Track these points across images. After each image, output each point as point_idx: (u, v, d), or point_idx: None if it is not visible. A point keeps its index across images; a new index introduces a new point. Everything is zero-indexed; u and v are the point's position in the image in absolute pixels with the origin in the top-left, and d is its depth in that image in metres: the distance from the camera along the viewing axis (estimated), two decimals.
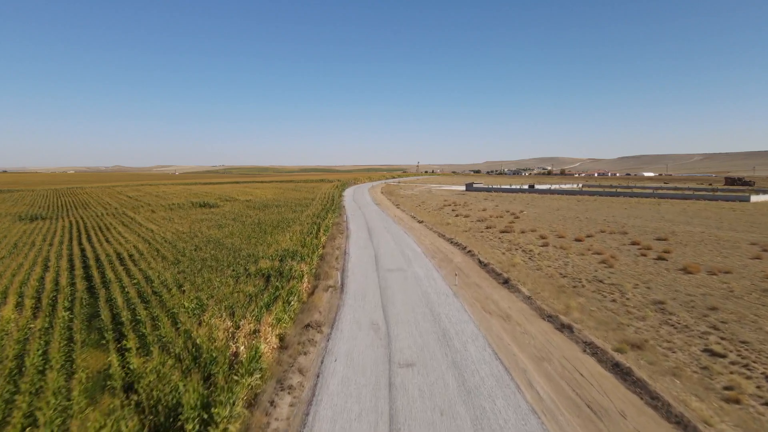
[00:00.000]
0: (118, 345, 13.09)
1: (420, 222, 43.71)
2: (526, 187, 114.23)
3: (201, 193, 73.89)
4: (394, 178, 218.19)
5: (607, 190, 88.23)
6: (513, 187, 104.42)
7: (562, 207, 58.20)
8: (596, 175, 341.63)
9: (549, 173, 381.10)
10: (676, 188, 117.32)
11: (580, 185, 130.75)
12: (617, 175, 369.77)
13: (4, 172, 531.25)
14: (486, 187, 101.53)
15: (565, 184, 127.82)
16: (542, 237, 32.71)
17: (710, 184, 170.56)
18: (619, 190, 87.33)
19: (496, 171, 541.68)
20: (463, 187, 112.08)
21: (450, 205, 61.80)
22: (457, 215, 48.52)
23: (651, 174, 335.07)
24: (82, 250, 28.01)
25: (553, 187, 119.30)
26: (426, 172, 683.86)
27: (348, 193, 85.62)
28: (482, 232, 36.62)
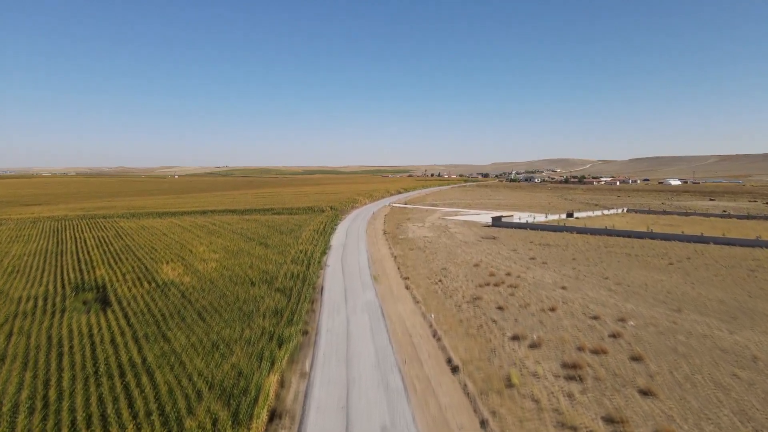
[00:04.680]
0: None
1: (454, 370, 22.62)
2: (564, 216, 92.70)
3: (132, 248, 52.57)
4: (399, 192, 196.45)
5: (686, 233, 66.01)
6: (551, 223, 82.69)
7: (681, 294, 36.27)
8: (618, 183, 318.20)
9: (566, 180, 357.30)
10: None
11: (625, 209, 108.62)
12: (638, 181, 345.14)
13: None
14: (521, 222, 79.66)
15: (608, 209, 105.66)
16: None
17: None
18: (704, 233, 65.03)
19: (507, 176, 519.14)
20: (487, 217, 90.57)
21: (488, 282, 40.30)
22: (514, 335, 27.16)
23: (678, 182, 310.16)
24: None
25: (595, 213, 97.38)
26: (432, 175, 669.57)
27: (337, 241, 63.91)
28: None
